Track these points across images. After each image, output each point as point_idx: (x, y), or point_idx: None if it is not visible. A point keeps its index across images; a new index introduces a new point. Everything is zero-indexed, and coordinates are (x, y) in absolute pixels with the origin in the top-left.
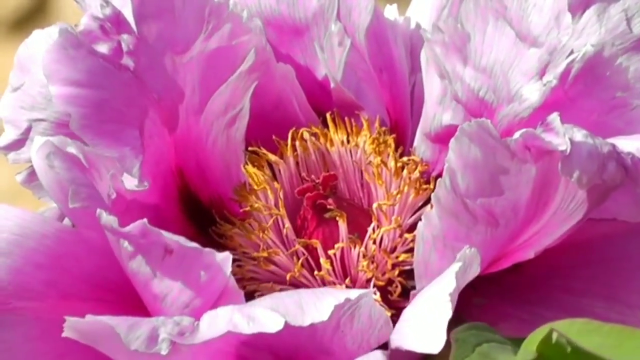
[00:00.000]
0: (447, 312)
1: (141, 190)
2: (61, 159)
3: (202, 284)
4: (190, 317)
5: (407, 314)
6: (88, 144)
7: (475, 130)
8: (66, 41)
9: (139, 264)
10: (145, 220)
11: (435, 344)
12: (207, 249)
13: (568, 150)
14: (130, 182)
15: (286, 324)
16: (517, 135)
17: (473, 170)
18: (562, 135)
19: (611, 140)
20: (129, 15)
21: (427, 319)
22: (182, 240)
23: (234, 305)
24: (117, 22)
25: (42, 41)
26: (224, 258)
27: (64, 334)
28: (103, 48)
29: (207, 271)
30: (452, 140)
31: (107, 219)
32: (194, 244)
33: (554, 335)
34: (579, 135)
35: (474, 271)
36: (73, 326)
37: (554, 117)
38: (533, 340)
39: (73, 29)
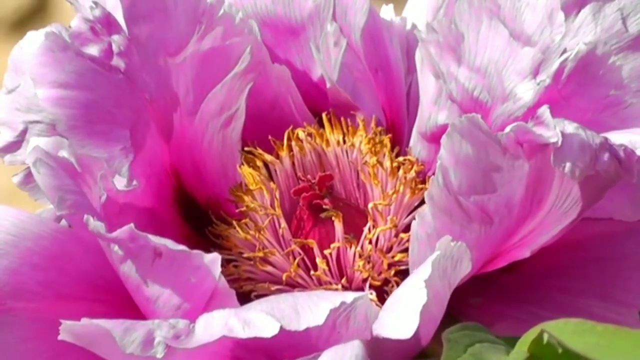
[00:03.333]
0: (422, 298)
1: (133, 191)
2: (47, 166)
3: (191, 286)
4: (186, 320)
5: (386, 303)
6: (77, 145)
7: (466, 126)
8: (53, 44)
9: (130, 267)
10: (132, 224)
11: (406, 329)
12: (195, 251)
13: (559, 143)
14: (120, 183)
15: (281, 329)
16: (507, 129)
17: (465, 167)
18: (552, 128)
19: (603, 134)
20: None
21: (401, 305)
22: (169, 243)
23: (229, 308)
24: (107, 23)
25: (35, 43)
26: (213, 259)
27: (59, 337)
28: (93, 50)
29: (196, 273)
30: (444, 137)
31: (95, 224)
32: (182, 247)
33: (545, 336)
34: (570, 127)
35: (465, 267)
36: (69, 329)
37: (544, 110)
38: (525, 340)
39: (67, 30)
